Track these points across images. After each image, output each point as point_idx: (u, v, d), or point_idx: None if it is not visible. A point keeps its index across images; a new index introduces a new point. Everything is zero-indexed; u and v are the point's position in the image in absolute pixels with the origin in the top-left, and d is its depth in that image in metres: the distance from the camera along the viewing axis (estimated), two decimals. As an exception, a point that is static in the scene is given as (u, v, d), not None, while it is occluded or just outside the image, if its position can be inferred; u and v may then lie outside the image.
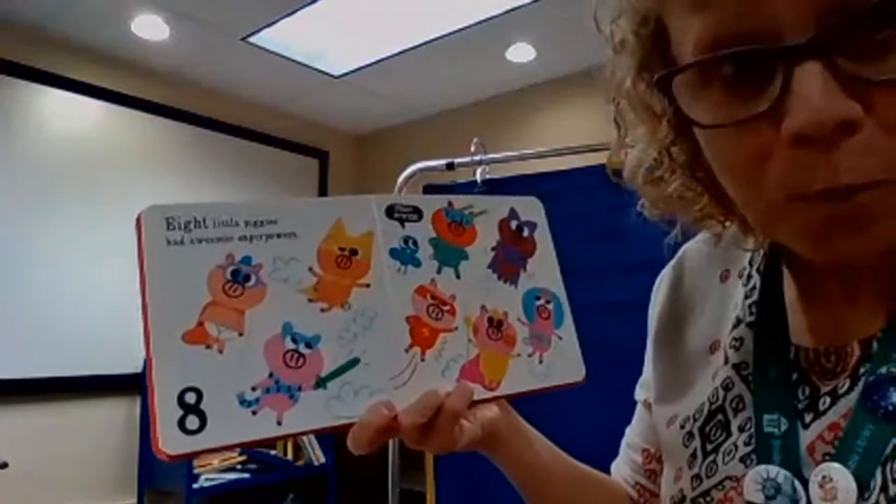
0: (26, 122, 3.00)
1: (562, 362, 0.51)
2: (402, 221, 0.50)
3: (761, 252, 0.52)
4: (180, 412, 0.39)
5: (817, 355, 0.45)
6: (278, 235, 0.46)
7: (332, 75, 3.49)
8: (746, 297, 0.52)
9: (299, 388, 0.43)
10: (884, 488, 0.38)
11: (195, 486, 2.96)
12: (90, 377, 3.07)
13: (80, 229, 3.10)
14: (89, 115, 3.21)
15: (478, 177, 1.90)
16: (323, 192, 4.24)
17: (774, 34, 0.33)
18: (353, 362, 0.45)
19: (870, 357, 0.42)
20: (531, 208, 0.56)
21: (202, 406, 0.40)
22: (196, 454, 0.40)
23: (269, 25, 2.97)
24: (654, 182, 0.49)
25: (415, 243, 0.50)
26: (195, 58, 3.30)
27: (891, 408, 0.39)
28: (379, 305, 0.47)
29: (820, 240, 0.36)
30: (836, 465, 0.40)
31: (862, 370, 0.42)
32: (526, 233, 0.55)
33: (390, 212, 0.50)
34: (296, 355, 0.43)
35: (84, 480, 3.05)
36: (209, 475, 3.06)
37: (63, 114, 3.12)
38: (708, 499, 0.48)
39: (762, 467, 0.44)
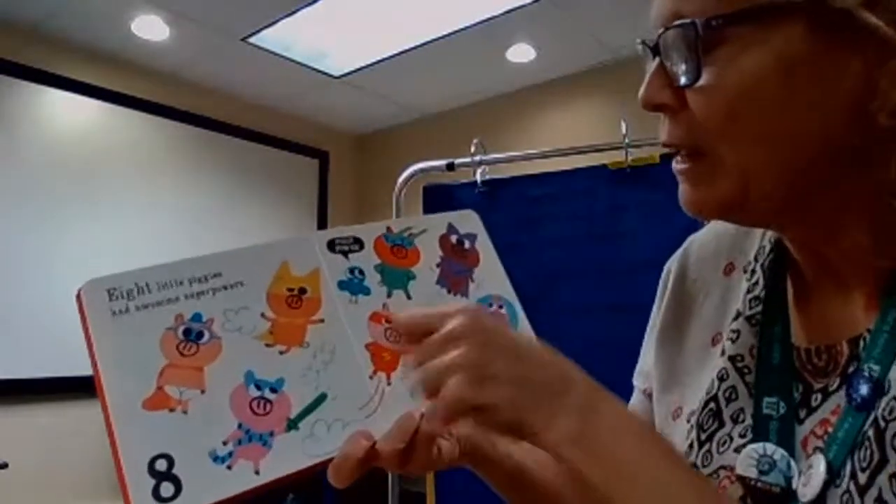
0: (26, 122, 3.00)
1: None
2: (345, 254, 0.51)
3: (767, 248, 0.55)
4: (153, 481, 0.39)
5: (809, 354, 0.48)
6: (225, 287, 0.46)
7: (332, 75, 3.49)
8: (748, 291, 0.54)
9: (271, 434, 0.42)
10: (853, 475, 0.40)
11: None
12: (90, 377, 3.04)
13: (79, 229, 3.10)
14: (89, 115, 3.21)
15: (478, 177, 1.90)
16: (323, 192, 4.24)
17: (655, 34, 0.46)
18: (321, 398, 0.45)
19: (857, 356, 0.44)
20: (468, 221, 0.57)
21: (174, 471, 0.39)
22: None
23: (269, 25, 2.97)
24: None
25: (361, 272, 0.50)
26: (195, 58, 3.30)
27: (859, 399, 0.42)
28: (336, 338, 0.47)
29: (679, 189, 0.47)
30: (820, 455, 0.42)
31: (851, 369, 0.44)
32: (467, 245, 0.55)
33: (332, 246, 0.51)
34: (262, 401, 0.43)
35: (84, 480, 3.05)
36: (209, 475, 3.06)
37: (63, 114, 3.12)
38: None
39: (759, 444, 0.46)
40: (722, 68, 0.42)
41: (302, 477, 0.43)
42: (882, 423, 0.40)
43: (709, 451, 0.50)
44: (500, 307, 0.53)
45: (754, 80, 0.41)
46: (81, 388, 3.05)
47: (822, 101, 0.41)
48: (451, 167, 1.96)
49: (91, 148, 3.19)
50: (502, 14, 2.85)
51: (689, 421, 0.53)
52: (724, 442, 0.49)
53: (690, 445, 0.51)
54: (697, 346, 0.57)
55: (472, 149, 1.91)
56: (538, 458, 0.54)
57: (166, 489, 0.39)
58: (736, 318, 0.54)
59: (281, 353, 0.45)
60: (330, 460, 0.43)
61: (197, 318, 0.44)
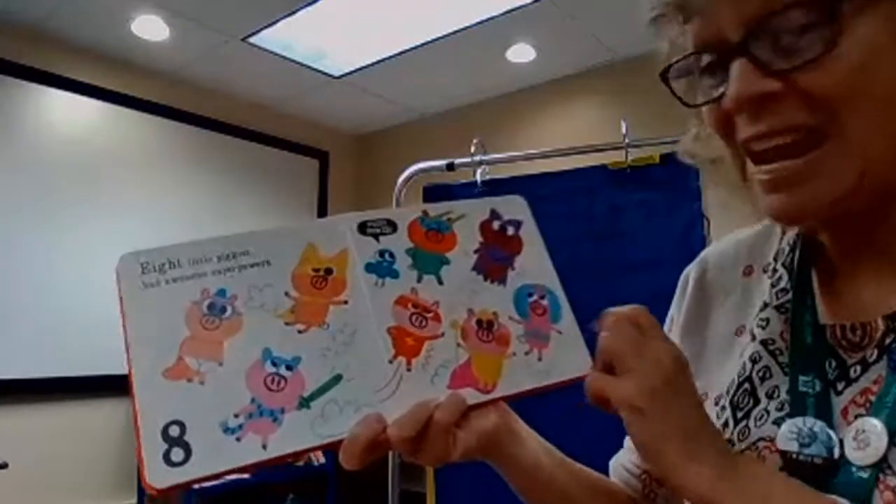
0: (26, 122, 3.00)
1: (564, 357, 0.49)
2: (375, 236, 0.50)
3: (786, 249, 0.58)
4: (165, 446, 0.40)
5: (843, 330, 0.50)
6: (252, 265, 0.47)
7: (332, 75, 3.50)
8: (773, 285, 0.57)
9: (282, 411, 0.43)
10: None
11: (195, 486, 2.96)
12: (90, 377, 3.07)
13: (79, 229, 3.10)
14: (89, 115, 3.21)
15: (478, 177, 1.90)
16: (323, 192, 4.24)
17: (722, 38, 0.46)
18: (336, 379, 0.45)
19: (895, 329, 0.47)
20: (514, 206, 0.55)
21: (186, 437, 0.41)
22: (183, 485, 0.40)
23: (269, 25, 2.97)
24: (699, 145, 0.59)
25: (391, 255, 0.50)
26: (195, 58, 3.30)
27: None
28: (358, 320, 0.47)
29: (769, 200, 0.47)
30: (868, 418, 0.45)
31: (888, 341, 0.47)
32: (511, 231, 0.54)
33: (363, 228, 0.50)
34: (276, 378, 0.44)
35: (84, 480, 3.05)
36: (209, 475, 3.05)
37: (63, 114, 3.13)
38: None
39: (798, 419, 0.48)
40: (854, 39, 0.42)
41: (307, 454, 0.44)
42: None
43: (746, 426, 0.52)
44: (542, 297, 0.51)
45: (882, 48, 0.42)
46: (82, 388, 3.06)
47: None
48: (451, 167, 1.97)
49: (91, 148, 3.19)
50: (502, 14, 2.86)
51: (717, 404, 0.56)
52: (761, 416, 0.51)
53: (725, 424, 0.53)
54: (720, 338, 0.60)
55: (472, 149, 1.92)
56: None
57: (176, 454, 0.40)
58: (763, 309, 0.56)
59: (300, 331, 0.46)
60: (339, 442, 0.43)
61: (222, 293, 0.46)
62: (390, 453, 2.02)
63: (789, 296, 0.55)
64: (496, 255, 0.52)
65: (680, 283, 0.68)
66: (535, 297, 0.51)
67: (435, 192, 1.95)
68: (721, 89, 0.46)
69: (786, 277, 0.57)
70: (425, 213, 0.52)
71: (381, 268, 0.49)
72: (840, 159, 0.44)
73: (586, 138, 2.13)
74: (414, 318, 0.48)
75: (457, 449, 0.46)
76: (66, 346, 3.00)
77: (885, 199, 0.46)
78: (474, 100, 3.80)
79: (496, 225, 0.54)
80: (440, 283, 0.50)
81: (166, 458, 0.40)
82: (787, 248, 0.58)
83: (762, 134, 0.45)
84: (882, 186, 0.45)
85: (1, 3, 2.80)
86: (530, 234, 0.54)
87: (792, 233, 0.59)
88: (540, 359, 0.49)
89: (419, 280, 0.49)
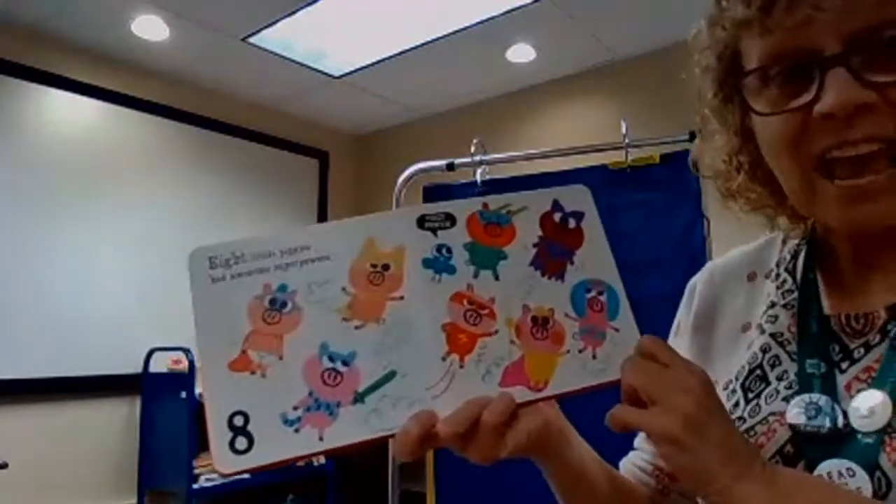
0: (26, 122, 3.00)
1: (619, 356, 0.49)
2: (434, 231, 0.51)
3: (787, 257, 0.63)
4: (230, 434, 0.43)
5: (848, 319, 0.54)
6: (312, 261, 0.48)
7: (332, 75, 3.49)
8: (779, 287, 0.62)
9: (338, 405, 0.45)
10: None
11: (195, 486, 2.96)
12: (90, 377, 3.07)
13: (79, 229, 3.10)
14: (89, 115, 3.21)
15: (478, 177, 1.90)
16: (323, 192, 4.24)
17: (814, 50, 0.48)
18: (390, 375, 0.46)
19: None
20: (578, 197, 0.54)
21: (249, 428, 0.43)
22: (249, 471, 0.43)
23: (269, 25, 2.97)
24: (724, 177, 0.61)
25: (448, 250, 0.50)
26: (195, 58, 3.30)
27: None
28: (413, 316, 0.48)
29: (846, 209, 0.49)
30: (871, 390, 0.48)
31: (889, 327, 0.51)
32: (572, 224, 0.53)
33: (421, 222, 0.51)
34: (333, 373, 0.45)
35: (84, 480, 3.05)
36: (209, 475, 3.05)
37: (63, 114, 3.12)
38: (752, 433, 0.53)
39: (805, 395, 0.52)
40: None
41: (364, 448, 0.45)
42: None
43: (757, 404, 0.55)
44: (600, 294, 0.51)
45: None
46: (81, 388, 3.06)
47: None
48: (451, 167, 1.96)
49: (91, 148, 3.19)
50: (502, 14, 2.85)
51: (725, 388, 0.60)
52: (771, 395, 0.55)
53: (735, 404, 0.57)
54: (727, 333, 0.64)
55: (472, 149, 1.91)
56: None
57: (241, 443, 0.43)
58: (771, 307, 0.61)
59: (357, 327, 0.47)
60: (391, 435, 0.44)
61: (283, 288, 0.47)
62: (390, 454, 2.02)
63: (795, 294, 0.59)
64: (555, 249, 0.52)
65: (687, 290, 0.72)
66: (593, 293, 0.51)
67: (435, 192, 1.95)
68: (804, 99, 0.48)
69: (790, 280, 0.61)
70: (485, 205, 0.53)
71: (438, 263, 0.50)
72: None
73: (586, 138, 2.13)
74: (469, 314, 0.48)
75: (506, 447, 0.47)
76: (66, 346, 3.00)
77: None
78: (474, 100, 3.80)
79: (557, 217, 0.53)
80: (496, 278, 0.50)
81: (231, 446, 0.43)
82: (788, 256, 0.63)
83: (855, 140, 0.47)
84: None
85: (1, 3, 2.80)
86: (592, 226, 0.54)
87: (793, 242, 0.64)
88: (594, 357, 0.49)
89: (475, 276, 0.50)
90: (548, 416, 0.52)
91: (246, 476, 2.55)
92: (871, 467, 0.46)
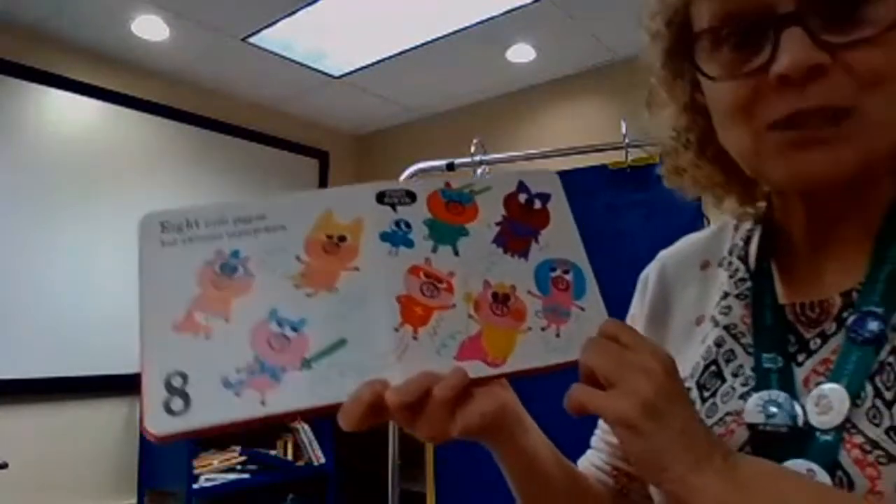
0: (26, 122, 3.00)
1: (584, 335, 0.47)
2: (393, 206, 0.50)
3: (740, 244, 0.61)
4: (166, 394, 0.41)
5: (803, 307, 0.53)
6: (266, 229, 0.48)
7: (332, 75, 3.49)
8: (732, 276, 0.59)
9: (283, 370, 0.43)
10: (877, 394, 0.45)
11: (195, 486, 2.96)
12: (90, 377, 3.07)
13: (79, 229, 3.10)
14: (89, 115, 3.21)
15: (478, 177, 1.90)
16: (323, 192, 4.24)
17: (767, 9, 0.45)
18: (340, 343, 0.45)
19: (851, 304, 0.50)
20: (544, 180, 0.53)
21: (187, 388, 0.42)
22: (181, 435, 0.41)
23: (269, 25, 2.97)
24: (672, 155, 0.59)
25: (407, 225, 0.49)
26: (195, 58, 3.30)
27: (868, 334, 0.47)
28: (368, 287, 0.46)
29: (791, 158, 0.46)
30: (829, 384, 0.47)
31: (845, 315, 0.49)
32: (538, 205, 0.52)
33: (381, 198, 0.50)
34: (281, 338, 0.44)
35: (84, 480, 3.05)
36: (209, 475, 3.06)
37: (63, 114, 3.12)
38: None
39: (763, 392, 0.50)
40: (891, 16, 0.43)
41: (308, 416, 0.44)
42: None
43: (713, 403, 0.53)
44: (566, 272, 0.50)
45: None
46: (82, 388, 3.06)
47: None
48: (451, 167, 1.97)
49: (91, 148, 3.19)
50: (502, 14, 2.85)
51: None
52: (727, 393, 0.53)
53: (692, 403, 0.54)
54: (682, 327, 0.62)
55: (472, 149, 1.92)
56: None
57: (176, 403, 0.41)
58: (724, 298, 0.58)
59: (308, 295, 0.46)
60: (337, 405, 0.43)
61: (235, 254, 0.47)
62: (390, 454, 2.02)
63: (749, 283, 0.57)
64: (519, 228, 0.51)
65: (640, 283, 0.69)
66: (558, 272, 0.50)
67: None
68: (758, 61, 0.46)
69: (743, 268, 0.59)
70: (448, 184, 0.52)
71: (396, 237, 0.49)
72: (862, 133, 0.44)
73: (586, 138, 2.13)
74: (425, 287, 0.47)
75: (456, 426, 0.44)
76: (66, 346, 3.00)
77: (868, 177, 0.48)
78: (474, 100, 3.80)
79: (522, 198, 0.52)
80: (456, 253, 0.49)
81: (167, 406, 0.41)
82: (740, 244, 0.61)
83: (809, 109, 0.45)
84: (877, 167, 0.47)
85: (1, 3, 2.80)
86: (559, 208, 0.52)
87: (745, 228, 0.62)
88: (558, 335, 0.47)
89: (434, 250, 0.49)
90: (504, 401, 0.50)
91: (246, 475, 2.55)
92: (832, 466, 0.44)
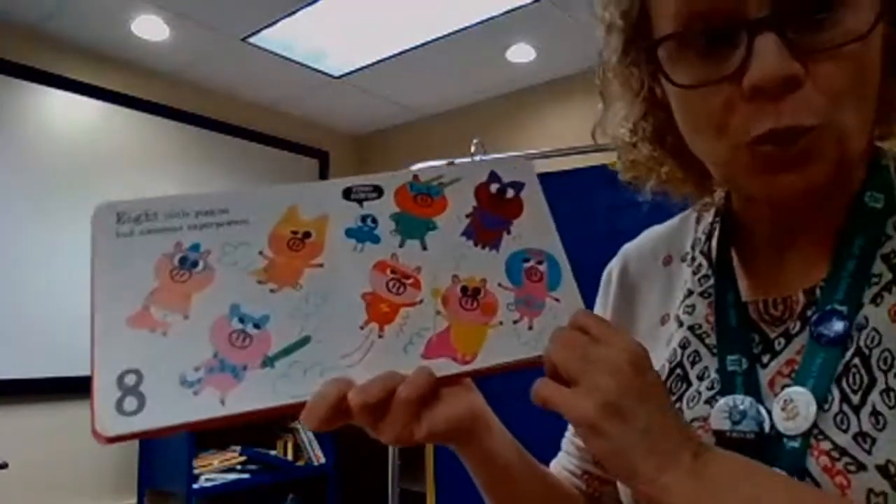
0: (26, 122, 3.00)
1: (559, 327, 0.45)
2: (360, 201, 0.48)
3: (702, 238, 0.59)
4: (118, 394, 0.39)
5: (766, 305, 0.51)
6: (229, 223, 0.46)
7: (332, 75, 3.49)
8: (695, 272, 0.58)
9: (245, 368, 0.41)
10: (844, 399, 0.44)
11: (195, 486, 2.96)
12: (90, 377, 3.06)
13: (79, 229, 3.09)
14: (89, 115, 3.21)
15: (478, 177, 1.90)
16: (323, 192, 4.24)
17: (738, 11, 0.42)
18: (304, 341, 0.43)
19: (814, 302, 0.48)
20: (517, 169, 0.52)
21: (141, 388, 0.40)
22: (134, 436, 0.39)
23: (269, 25, 2.97)
24: (627, 149, 0.58)
25: (373, 220, 0.48)
26: (195, 58, 3.30)
27: (833, 335, 0.46)
28: (332, 284, 0.45)
29: (768, 178, 0.44)
30: (795, 387, 0.45)
31: (809, 313, 0.48)
32: (510, 194, 0.51)
33: (347, 193, 0.49)
34: (242, 335, 0.42)
35: (84, 480, 3.05)
36: (209, 475, 3.05)
37: (63, 114, 3.12)
38: None
39: (728, 398, 0.48)
40: (876, 32, 0.42)
41: (270, 416, 0.42)
42: (866, 351, 0.44)
43: (679, 408, 0.52)
44: (539, 263, 0.48)
45: (875, 41, 0.43)
46: (82, 388, 3.05)
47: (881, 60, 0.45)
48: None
49: (91, 148, 3.19)
50: (502, 14, 2.85)
51: None
52: (694, 398, 0.52)
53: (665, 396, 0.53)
54: (647, 327, 0.60)
55: (472, 149, 1.92)
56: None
57: (130, 403, 0.39)
58: (688, 296, 0.57)
59: (272, 290, 0.44)
60: (300, 405, 0.41)
61: (195, 248, 0.45)
62: (390, 454, 2.02)
63: (711, 281, 0.56)
64: (490, 219, 0.49)
65: (603, 280, 0.68)
66: (531, 263, 0.48)
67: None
68: (728, 69, 0.43)
69: (706, 264, 0.57)
70: (416, 177, 0.50)
71: (362, 233, 0.47)
72: (835, 145, 0.43)
73: (586, 138, 2.12)
74: (392, 284, 0.46)
75: (421, 429, 0.43)
76: (66, 346, 3.00)
77: (836, 180, 0.47)
78: (474, 100, 3.80)
79: (494, 188, 0.51)
80: (424, 248, 0.47)
81: (119, 406, 0.39)
82: (703, 237, 0.59)
83: (785, 127, 0.42)
84: (857, 159, 0.47)
85: (1, 3, 2.80)
86: (532, 197, 0.51)
87: (707, 221, 0.60)
88: (531, 328, 0.46)
89: (401, 245, 0.47)
90: (472, 404, 0.48)
91: (246, 475, 2.54)
92: (800, 474, 0.43)
